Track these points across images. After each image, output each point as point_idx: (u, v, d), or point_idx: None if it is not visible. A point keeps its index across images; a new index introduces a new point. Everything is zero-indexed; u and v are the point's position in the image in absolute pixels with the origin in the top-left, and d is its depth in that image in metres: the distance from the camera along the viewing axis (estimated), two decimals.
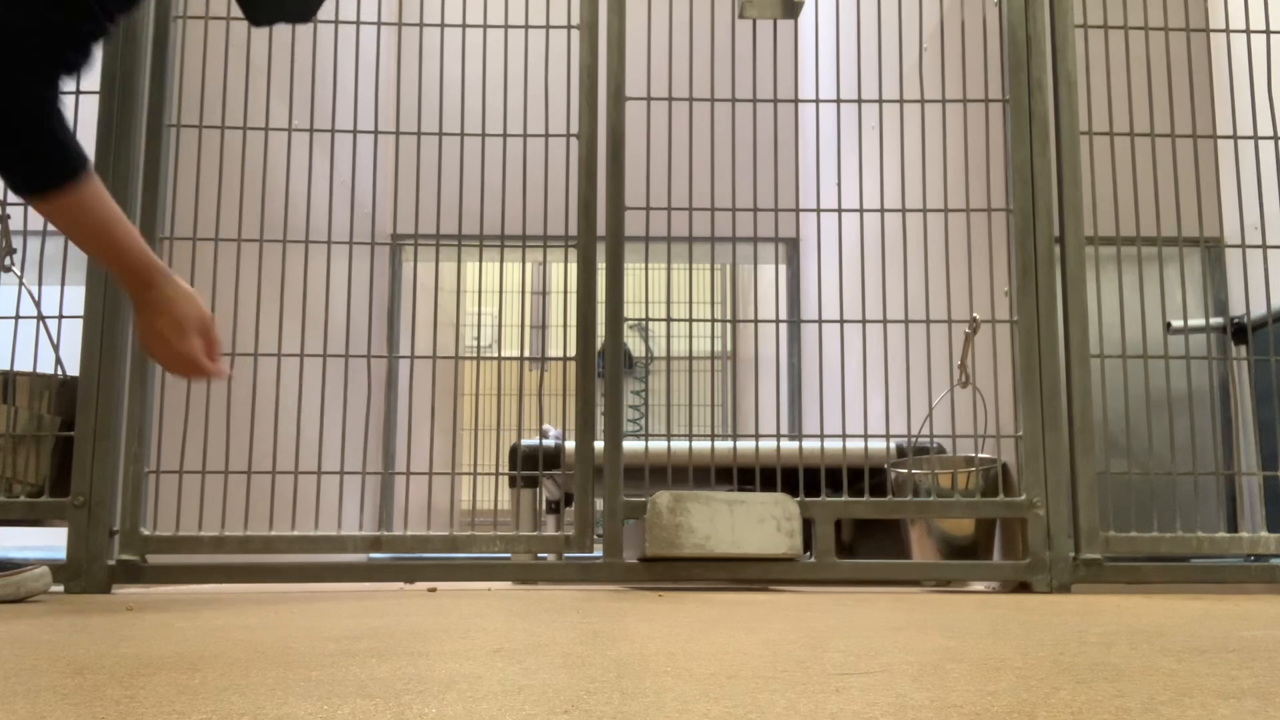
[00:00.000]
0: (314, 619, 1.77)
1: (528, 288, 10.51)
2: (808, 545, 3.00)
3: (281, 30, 3.37)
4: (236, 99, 3.55)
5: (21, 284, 2.99)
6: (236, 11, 3.33)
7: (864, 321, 3.26)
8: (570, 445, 3.07)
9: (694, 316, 9.81)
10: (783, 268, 7.00)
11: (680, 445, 3.48)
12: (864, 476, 3.56)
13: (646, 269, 3.21)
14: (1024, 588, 3.00)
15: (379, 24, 3.23)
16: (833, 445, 3.18)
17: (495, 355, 6.54)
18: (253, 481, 3.12)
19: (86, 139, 3.16)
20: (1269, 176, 3.19)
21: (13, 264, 2.97)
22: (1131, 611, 1.98)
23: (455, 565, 3.05)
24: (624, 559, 2.99)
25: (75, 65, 1.79)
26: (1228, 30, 3.24)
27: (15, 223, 2.96)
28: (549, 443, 3.84)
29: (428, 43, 6.13)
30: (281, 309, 3.15)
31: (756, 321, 9.53)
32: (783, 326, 6.87)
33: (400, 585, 3.19)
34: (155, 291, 1.86)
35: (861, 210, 3.28)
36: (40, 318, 2.98)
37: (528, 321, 10.35)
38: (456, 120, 5.28)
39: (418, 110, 3.34)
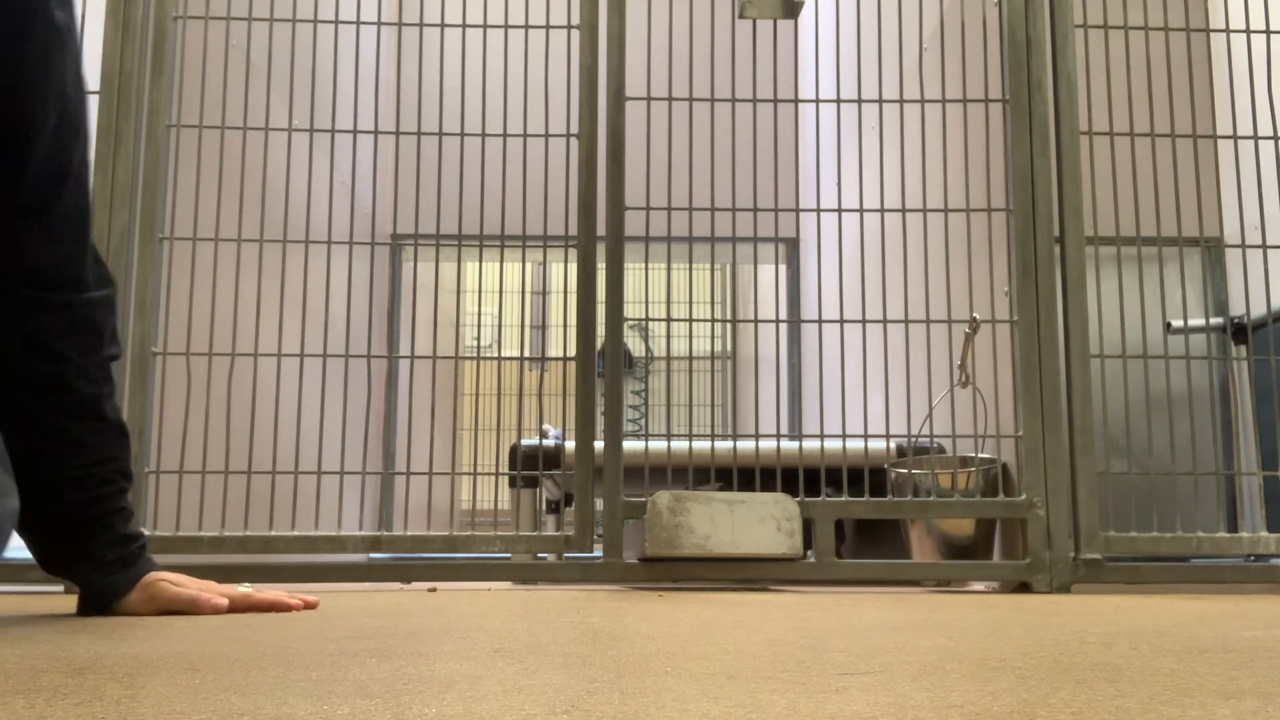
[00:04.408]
0: (314, 619, 1.77)
1: (528, 288, 10.50)
2: (808, 545, 3.00)
3: (281, 30, 3.37)
4: (236, 99, 3.54)
5: None
6: (237, 11, 3.33)
7: (864, 321, 3.26)
8: (570, 445, 3.07)
9: (694, 316, 9.81)
10: (783, 268, 6.99)
11: (680, 445, 3.48)
12: (864, 477, 3.56)
13: (646, 269, 3.20)
14: (1024, 588, 3.00)
15: (379, 24, 3.24)
16: (833, 445, 3.18)
17: (495, 355, 6.54)
18: (252, 481, 3.12)
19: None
20: (1269, 176, 3.19)
21: None
22: (1131, 611, 1.98)
23: (455, 565, 3.05)
24: (624, 559, 2.98)
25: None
26: (1228, 30, 3.24)
27: None
28: (549, 443, 3.84)
29: (428, 43, 6.12)
30: (281, 309, 3.15)
31: (756, 321, 9.51)
32: (783, 326, 6.86)
33: (399, 586, 3.18)
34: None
35: (861, 210, 3.28)
36: None
37: (528, 321, 10.34)
38: (456, 120, 5.27)
39: (418, 110, 3.34)
